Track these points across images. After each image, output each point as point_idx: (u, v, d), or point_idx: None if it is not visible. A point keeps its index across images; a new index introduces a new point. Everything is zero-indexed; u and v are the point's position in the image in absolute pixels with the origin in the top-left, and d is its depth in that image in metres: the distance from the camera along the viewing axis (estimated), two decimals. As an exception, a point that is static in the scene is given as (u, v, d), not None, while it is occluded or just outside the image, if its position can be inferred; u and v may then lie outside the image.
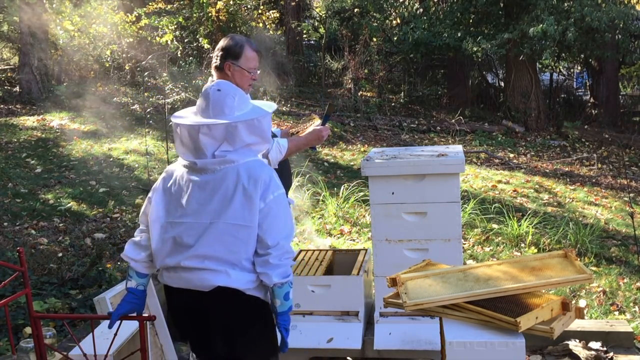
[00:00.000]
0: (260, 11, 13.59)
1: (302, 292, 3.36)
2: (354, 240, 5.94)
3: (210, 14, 12.84)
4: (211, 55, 13.74)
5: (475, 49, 11.62)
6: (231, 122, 2.36)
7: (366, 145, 10.33)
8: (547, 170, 9.46)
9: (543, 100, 13.21)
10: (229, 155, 2.36)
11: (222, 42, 3.31)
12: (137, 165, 8.28)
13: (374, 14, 13.93)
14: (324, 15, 18.11)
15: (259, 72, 3.30)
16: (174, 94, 11.55)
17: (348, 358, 3.50)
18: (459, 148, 3.62)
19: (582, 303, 4.55)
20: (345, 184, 7.10)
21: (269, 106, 2.52)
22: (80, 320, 4.06)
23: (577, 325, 3.57)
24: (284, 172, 3.42)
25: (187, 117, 2.47)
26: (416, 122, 12.34)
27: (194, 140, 2.37)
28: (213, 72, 3.34)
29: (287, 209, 2.41)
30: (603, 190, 8.24)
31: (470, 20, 12.71)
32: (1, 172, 7.63)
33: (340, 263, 3.89)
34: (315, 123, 3.43)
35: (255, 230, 2.30)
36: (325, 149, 9.82)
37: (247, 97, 2.57)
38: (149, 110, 10.57)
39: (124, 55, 13.35)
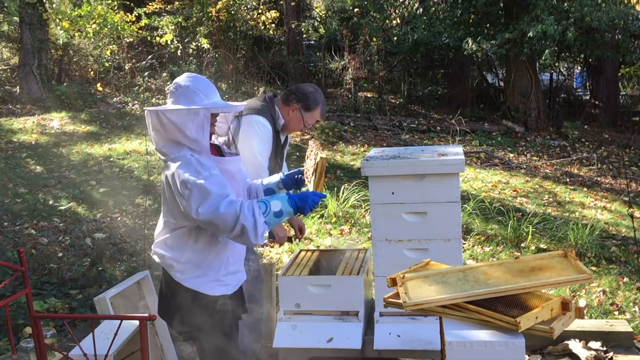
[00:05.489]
0: (260, 11, 13.59)
1: (302, 292, 3.36)
2: (354, 240, 5.94)
3: (210, 14, 12.84)
4: (211, 55, 13.72)
5: (475, 48, 11.62)
6: None
7: (366, 145, 10.33)
8: (547, 170, 9.46)
9: (543, 100, 13.21)
10: None
11: (306, 87, 3.45)
12: (137, 166, 8.28)
13: (374, 14, 13.92)
14: (324, 15, 18.11)
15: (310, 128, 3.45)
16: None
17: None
18: (459, 148, 3.62)
19: (582, 303, 4.55)
20: (345, 184, 7.10)
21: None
22: (80, 320, 4.06)
23: (577, 325, 3.57)
24: None
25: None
26: (416, 122, 12.34)
27: None
28: (278, 106, 3.40)
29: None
30: (603, 191, 8.24)
31: (470, 20, 12.71)
32: (1, 172, 7.63)
33: (339, 263, 3.89)
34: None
35: None
36: (326, 150, 9.82)
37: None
38: (149, 110, 10.53)
39: (123, 55, 13.35)
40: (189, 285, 2.65)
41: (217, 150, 2.76)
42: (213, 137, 2.78)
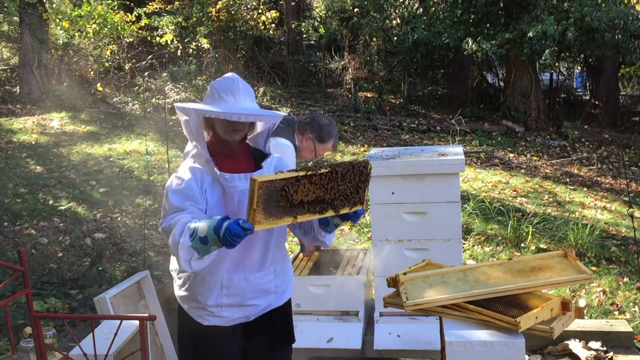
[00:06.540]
0: (260, 11, 13.60)
1: (302, 292, 3.36)
2: (354, 240, 5.94)
3: (210, 14, 12.84)
4: (211, 55, 13.66)
5: (475, 48, 11.62)
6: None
7: (366, 145, 10.33)
8: (547, 170, 9.46)
9: (543, 100, 13.21)
10: None
11: (322, 119, 3.49)
12: (137, 166, 8.28)
13: (374, 14, 13.93)
14: (324, 15, 18.12)
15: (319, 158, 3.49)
16: (174, 94, 11.55)
17: None
18: (459, 148, 3.62)
19: (582, 303, 4.55)
20: (345, 184, 7.08)
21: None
22: (80, 320, 4.06)
23: (577, 325, 3.58)
24: None
25: None
26: (416, 122, 12.34)
27: None
28: (296, 133, 3.44)
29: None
30: (603, 191, 8.24)
31: (470, 20, 12.71)
32: (1, 172, 7.63)
33: (339, 263, 3.89)
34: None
35: None
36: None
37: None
38: (149, 110, 10.57)
39: (123, 55, 13.36)
40: (181, 304, 2.47)
41: (252, 159, 2.40)
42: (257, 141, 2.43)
